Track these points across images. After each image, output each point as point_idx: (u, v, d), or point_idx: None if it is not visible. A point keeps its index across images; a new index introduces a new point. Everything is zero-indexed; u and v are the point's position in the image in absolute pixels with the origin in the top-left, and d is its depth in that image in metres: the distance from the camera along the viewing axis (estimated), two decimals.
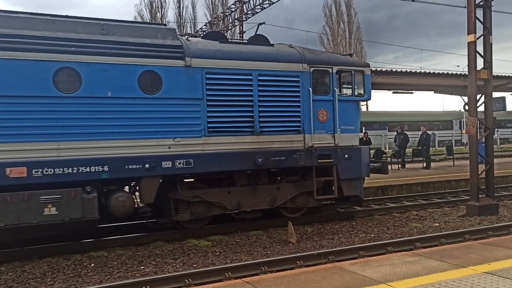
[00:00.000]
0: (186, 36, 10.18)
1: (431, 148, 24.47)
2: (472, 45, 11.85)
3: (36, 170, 8.00)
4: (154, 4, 43.61)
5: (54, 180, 8.14)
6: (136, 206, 9.39)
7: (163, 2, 43.95)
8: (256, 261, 7.72)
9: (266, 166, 10.13)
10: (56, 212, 8.06)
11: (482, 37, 12.13)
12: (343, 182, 10.92)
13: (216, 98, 9.63)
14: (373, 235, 10.05)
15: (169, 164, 9.08)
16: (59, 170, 8.16)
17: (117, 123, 8.71)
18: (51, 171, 8.10)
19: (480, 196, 11.91)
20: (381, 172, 12.68)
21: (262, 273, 7.08)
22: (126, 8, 66.59)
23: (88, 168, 8.41)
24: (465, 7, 12.28)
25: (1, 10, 8.43)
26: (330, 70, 10.86)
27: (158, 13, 44.08)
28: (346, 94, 11.36)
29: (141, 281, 6.75)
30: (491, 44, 12.22)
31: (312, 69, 10.64)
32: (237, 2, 28.47)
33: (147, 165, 8.90)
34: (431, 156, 23.41)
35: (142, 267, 7.95)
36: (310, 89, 10.52)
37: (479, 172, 11.88)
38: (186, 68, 9.32)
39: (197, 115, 9.45)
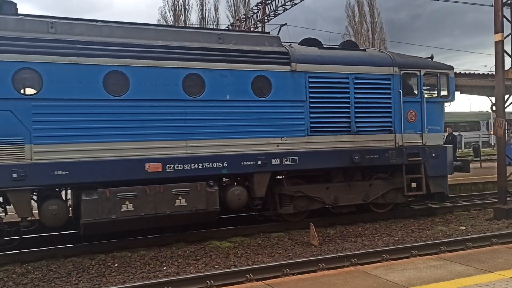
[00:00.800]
0: (289, 43, 10.96)
1: (457, 150, 23.95)
2: (499, 44, 11.58)
3: (169, 165, 9.07)
4: (177, 7, 44.02)
5: (183, 175, 9.19)
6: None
7: (186, 4, 44.33)
8: (278, 263, 7.68)
9: (362, 163, 10.88)
10: (186, 204, 9.14)
11: (510, 36, 11.85)
12: (430, 179, 11.58)
13: (317, 100, 10.48)
14: (397, 238, 9.89)
15: (277, 161, 10.03)
16: (187, 166, 9.24)
17: (234, 123, 9.72)
18: (181, 166, 9.18)
19: (508, 199, 11.60)
20: (463, 171, 12.98)
21: (283, 275, 7.04)
22: (150, 11, 67.51)
23: (210, 164, 9.42)
24: (492, 5, 12.01)
25: (135, 23, 9.69)
26: (418, 73, 11.62)
27: (181, 15, 44.48)
28: (432, 95, 11.93)
29: (164, 281, 6.80)
30: None
31: (402, 72, 11.41)
32: (259, 4, 28.49)
33: (259, 162, 9.87)
34: (457, 158, 22.91)
35: (164, 268, 8.02)
36: (400, 91, 11.29)
37: (507, 175, 11.58)
38: (292, 73, 10.24)
39: (301, 116, 10.33)
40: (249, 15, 30.65)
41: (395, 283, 5.23)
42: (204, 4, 44.63)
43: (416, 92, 11.60)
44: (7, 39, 8.06)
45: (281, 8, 26.40)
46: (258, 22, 29.54)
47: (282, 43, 10.67)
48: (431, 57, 12.59)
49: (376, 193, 11.32)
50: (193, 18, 45.13)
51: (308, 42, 11.42)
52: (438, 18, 61.36)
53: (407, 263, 5.94)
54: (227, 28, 8.75)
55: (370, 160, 10.91)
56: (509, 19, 11.83)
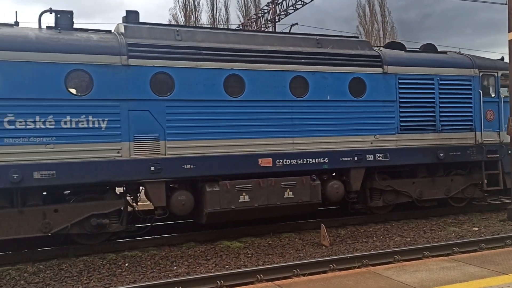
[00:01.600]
0: (378, 47, 11.99)
1: None
2: None
3: (278, 160, 9.95)
4: (188, 7, 44.11)
5: (290, 169, 10.05)
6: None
7: (197, 5, 44.40)
8: (288, 263, 7.64)
9: (446, 160, 11.66)
10: (293, 196, 10.00)
11: None
12: (506, 175, 12.24)
13: (406, 100, 11.28)
14: (409, 239, 9.79)
15: (371, 157, 10.86)
16: (294, 161, 10.09)
17: (333, 122, 10.53)
18: (288, 161, 10.05)
19: None
20: None
21: (294, 276, 7.01)
22: (159, 11, 67.48)
23: (314, 159, 10.27)
24: (506, 4, 11.84)
25: (245, 30, 11.26)
26: (496, 74, 12.47)
27: (192, 16, 44.58)
28: (506, 95, 12.46)
29: (174, 281, 6.80)
30: None
31: (481, 73, 12.25)
32: (270, 4, 28.44)
33: (355, 158, 10.68)
34: None
35: (175, 268, 8.02)
36: (480, 91, 12.12)
37: None
38: (383, 75, 11.11)
39: (392, 115, 11.15)
40: (260, 15, 30.61)
41: (407, 284, 5.16)
42: (215, 4, 44.61)
43: (493, 92, 12.46)
44: (145, 46, 9.04)
45: (291, 7, 26.32)
46: (268, 22, 29.49)
47: (373, 47, 11.68)
48: (502, 59, 13.20)
49: (456, 188, 12.10)
50: (204, 18, 45.16)
51: (393, 45, 12.44)
52: (448, 17, 60.67)
53: (419, 264, 5.86)
54: (323, 34, 9.65)
55: (453, 157, 11.75)
56: None
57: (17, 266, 8.03)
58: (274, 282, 5.66)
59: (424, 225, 11.15)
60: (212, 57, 9.50)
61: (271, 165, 9.86)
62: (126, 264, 8.22)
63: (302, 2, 25.40)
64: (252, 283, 6.71)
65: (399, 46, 12.24)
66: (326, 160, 10.36)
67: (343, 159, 10.54)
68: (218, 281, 6.74)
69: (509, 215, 11.45)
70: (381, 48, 11.84)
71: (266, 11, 29.52)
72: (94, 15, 65.37)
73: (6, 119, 7.95)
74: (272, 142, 9.92)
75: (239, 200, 9.53)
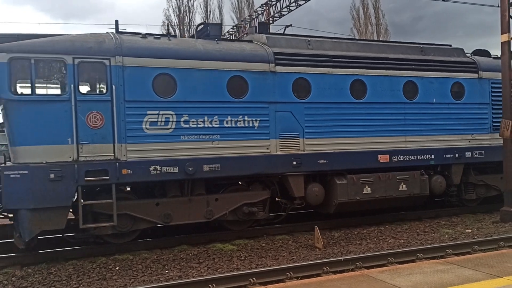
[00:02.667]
0: (470, 54, 13.25)
1: None
2: (505, 45, 11.45)
3: (394, 156, 11.22)
4: (182, 8, 43.96)
5: (403, 165, 11.33)
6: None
7: (191, 6, 44.27)
8: (281, 266, 7.56)
9: None
10: (406, 189, 11.26)
11: None
12: None
13: (496, 102, 12.44)
14: (402, 241, 9.74)
15: (469, 154, 12.17)
16: (406, 157, 11.37)
17: (438, 122, 11.80)
18: (402, 158, 11.32)
19: None
20: None
21: (287, 279, 6.94)
22: (152, 12, 67.13)
23: (423, 156, 11.57)
24: (498, 6, 11.88)
25: (361, 39, 12.32)
26: None
27: (186, 17, 44.43)
28: None
29: (165, 285, 6.71)
30: None
31: None
32: (264, 5, 28.40)
33: (456, 155, 11.98)
34: None
35: (166, 271, 7.91)
36: None
37: None
38: (479, 80, 12.40)
39: (486, 116, 12.48)
40: (254, 16, 30.56)
41: None
42: (208, 6, 44.55)
43: None
44: (286, 55, 10.30)
45: (285, 9, 26.30)
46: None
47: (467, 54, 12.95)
48: None
49: None
50: (198, 20, 45.06)
51: (479, 53, 13.56)
52: (440, 20, 61.14)
53: (413, 267, 5.80)
54: (427, 43, 11.38)
55: None
56: None
57: (5, 270, 7.90)
58: (267, 286, 5.58)
59: (417, 226, 11.12)
60: (340, 64, 10.77)
61: (388, 160, 11.19)
62: (117, 268, 8.11)
63: (296, 4, 25.39)
64: (245, 286, 6.64)
65: (486, 53, 13.55)
66: (432, 156, 11.70)
67: (446, 155, 11.89)
68: (210, 285, 6.64)
69: (502, 216, 11.45)
70: (473, 56, 13.16)
71: (260, 12, 29.47)
72: (86, 16, 65.06)
73: (182, 119, 9.22)
74: (389, 140, 11.26)
75: (363, 192, 10.81)
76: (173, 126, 9.13)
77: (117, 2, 69.30)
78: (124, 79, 8.74)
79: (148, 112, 8.92)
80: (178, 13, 43.85)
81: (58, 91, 8.53)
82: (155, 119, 8.98)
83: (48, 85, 8.65)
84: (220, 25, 11.11)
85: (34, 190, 8.04)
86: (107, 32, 9.29)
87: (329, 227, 10.89)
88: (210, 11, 44.60)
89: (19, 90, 8.32)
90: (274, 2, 27.14)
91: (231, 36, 33.16)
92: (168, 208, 9.25)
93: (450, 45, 13.49)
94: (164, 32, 43.10)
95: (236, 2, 45.16)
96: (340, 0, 57.24)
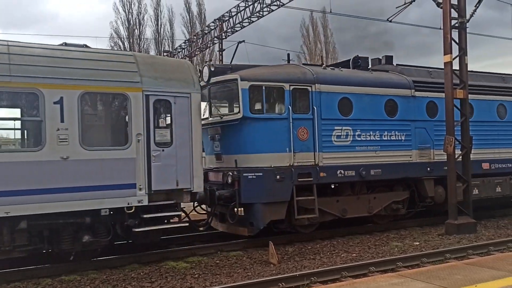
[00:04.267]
0: None
1: None
2: (448, 65, 12.02)
3: (492, 164, 14.10)
4: (131, 21, 43.30)
5: (497, 171, 14.20)
6: None
7: (141, 19, 43.73)
8: (236, 283, 7.48)
9: None
10: (500, 190, 14.17)
11: (457, 58, 12.36)
12: None
13: None
14: (354, 254, 9.91)
15: None
16: (500, 165, 14.30)
17: None
18: (497, 165, 14.25)
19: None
20: None
21: None
22: (98, 24, 65.16)
23: (510, 164, 14.52)
24: (440, 28, 12.52)
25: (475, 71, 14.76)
26: None
27: (136, 30, 43.79)
28: None
29: None
30: (466, 64, 12.45)
31: None
32: (217, 20, 28.52)
33: None
34: None
35: None
36: None
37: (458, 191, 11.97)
38: None
39: None
40: (206, 31, 30.60)
41: None
42: (159, 19, 44.23)
43: None
44: (420, 83, 13.08)
45: (238, 25, 26.52)
46: (215, 39, 29.52)
47: None
48: None
49: None
50: (148, 33, 44.53)
51: None
52: (382, 39, 64.12)
53: (369, 281, 5.89)
54: (504, 73, 16.05)
55: None
56: (457, 41, 12.35)
57: None
58: None
59: (368, 240, 11.36)
60: (429, 89, 13.29)
61: (488, 168, 13.99)
62: None
63: (249, 20, 25.67)
64: None
65: None
66: None
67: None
68: None
69: (446, 229, 11.93)
70: None
71: (212, 27, 29.55)
72: (27, 26, 62.27)
73: (357, 133, 11.82)
74: (489, 151, 14.10)
75: (473, 193, 12.93)
76: (351, 139, 11.77)
77: (60, 12, 66.96)
78: (320, 102, 11.33)
79: (335, 127, 11.57)
80: (127, 25, 43.20)
81: (280, 111, 10.99)
82: (340, 133, 11.62)
83: (273, 107, 11.12)
84: (367, 58, 13.76)
85: (266, 188, 10.45)
86: (300, 65, 12.56)
87: (283, 243, 10.92)
88: (160, 25, 44.30)
89: (255, 110, 10.73)
90: (227, 18, 27.31)
91: (183, 51, 33.01)
92: (345, 204, 11.80)
93: None
94: (112, 44, 42.48)
95: (188, 17, 45.18)
96: (288, 17, 58.55)
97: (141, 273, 8.60)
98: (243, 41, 21.88)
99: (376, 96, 12.14)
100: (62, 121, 8.19)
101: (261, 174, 10.41)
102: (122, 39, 42.93)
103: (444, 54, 12.11)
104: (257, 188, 10.33)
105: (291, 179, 10.66)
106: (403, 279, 5.68)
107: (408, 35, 70.09)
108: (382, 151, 12.13)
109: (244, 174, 10.33)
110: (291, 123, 10.79)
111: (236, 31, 27.21)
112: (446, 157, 12.15)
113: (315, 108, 11.18)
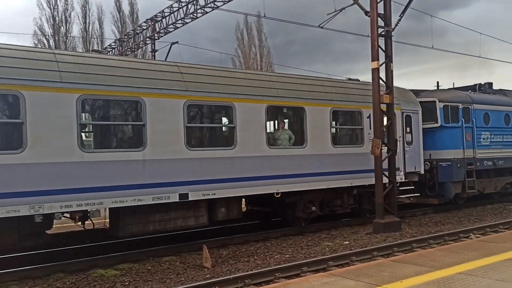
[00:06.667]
0: None
1: None
2: (375, 72, 12.55)
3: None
4: (57, 18, 41.15)
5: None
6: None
7: (67, 16, 41.67)
8: None
9: None
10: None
11: (384, 64, 12.95)
12: None
13: None
14: (288, 255, 10.05)
15: None
16: None
17: None
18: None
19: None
20: None
21: None
22: (19, 20, 60.91)
23: None
24: (368, 36, 13.07)
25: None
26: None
27: (62, 27, 41.64)
28: None
29: None
30: (392, 70, 13.08)
31: None
32: (149, 21, 27.85)
33: None
34: None
35: None
36: None
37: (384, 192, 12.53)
38: None
39: None
40: (138, 31, 29.79)
41: None
42: (88, 17, 42.43)
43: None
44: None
45: (171, 26, 26.08)
46: (148, 39, 28.83)
47: None
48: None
49: None
50: (75, 31, 42.59)
51: None
52: (310, 45, 66.11)
53: (301, 282, 5.98)
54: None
55: None
56: (383, 49, 12.96)
57: None
58: None
59: (301, 241, 11.57)
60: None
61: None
62: None
63: (183, 22, 25.32)
64: None
65: None
66: None
67: None
68: None
69: (374, 228, 12.44)
70: None
71: (145, 27, 28.83)
72: None
73: (492, 136, 17.26)
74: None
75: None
76: (489, 140, 17.40)
77: None
78: (475, 116, 16.90)
79: (482, 133, 17.16)
80: (52, 22, 41.03)
81: (457, 124, 16.34)
82: (484, 137, 17.24)
83: (453, 119, 16.38)
84: (490, 84, 19.46)
85: (453, 172, 15.81)
86: (466, 93, 17.64)
87: (217, 246, 10.84)
88: (89, 23, 42.52)
89: (447, 120, 16.23)
90: (160, 18, 26.77)
91: (113, 50, 31.92)
92: (484, 183, 17.04)
93: None
94: (36, 42, 40.14)
95: (118, 15, 43.75)
96: (220, 20, 58.55)
97: (67, 283, 8.16)
98: (177, 42, 21.58)
99: (500, 111, 17.91)
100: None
101: (450, 163, 15.87)
102: (47, 36, 40.72)
103: (372, 61, 12.64)
104: (448, 172, 15.85)
105: (465, 166, 16.15)
106: (334, 278, 5.83)
107: (334, 41, 72.72)
108: (502, 148, 17.70)
109: (440, 163, 15.87)
110: (463, 130, 16.41)
111: (169, 32, 26.75)
112: None
113: (474, 119, 16.81)
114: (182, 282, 8.14)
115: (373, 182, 12.62)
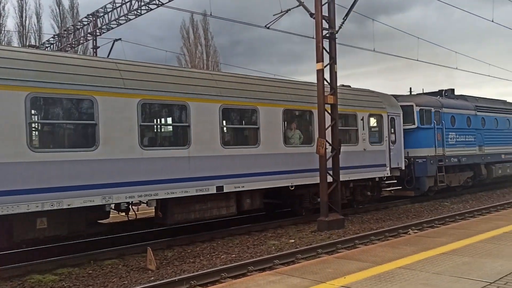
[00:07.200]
0: None
1: None
2: (320, 73, 12.80)
3: (503, 155, 22.95)
4: None
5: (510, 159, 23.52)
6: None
7: (1, 9, 39.37)
8: None
9: None
10: (510, 171, 23.21)
11: (328, 66, 13.23)
12: None
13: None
14: (234, 255, 10.03)
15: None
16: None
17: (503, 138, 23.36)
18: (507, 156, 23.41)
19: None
20: None
21: None
22: None
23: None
24: (313, 37, 13.31)
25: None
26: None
27: None
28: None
29: None
30: (336, 72, 13.39)
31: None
32: (90, 16, 26.87)
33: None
34: None
35: None
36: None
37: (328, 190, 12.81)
38: None
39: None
40: (79, 27, 28.67)
41: None
42: (24, 11, 40.31)
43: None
44: (479, 106, 21.72)
45: (114, 22, 25.30)
46: (89, 35, 27.81)
47: None
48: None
49: None
50: (10, 25, 40.36)
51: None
52: (255, 45, 66.62)
53: (248, 281, 5.97)
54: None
55: None
56: (328, 50, 13.24)
57: None
58: None
59: (247, 240, 11.59)
60: (483, 111, 21.97)
61: (503, 158, 22.59)
62: None
63: (126, 18, 24.64)
64: None
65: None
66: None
67: (509, 157, 23.21)
68: None
69: (318, 226, 12.69)
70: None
71: (86, 23, 27.79)
72: None
73: (457, 137, 19.90)
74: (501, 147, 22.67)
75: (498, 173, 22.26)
76: (455, 140, 19.80)
77: None
78: (444, 118, 19.22)
79: (449, 133, 19.49)
80: None
81: (430, 125, 18.68)
82: (451, 137, 19.69)
83: (426, 121, 18.73)
84: (453, 90, 22.08)
85: (428, 168, 18.07)
86: (436, 97, 20.09)
87: (162, 247, 10.63)
88: (26, 17, 40.42)
89: (423, 122, 18.60)
90: (102, 14, 25.90)
91: (52, 46, 30.55)
92: (451, 178, 19.61)
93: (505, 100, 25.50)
94: None
95: (57, 10, 41.92)
96: (165, 18, 57.65)
97: None
98: (120, 39, 20.99)
99: (463, 114, 20.42)
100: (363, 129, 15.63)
101: (424, 160, 18.13)
102: None
103: (317, 62, 12.87)
104: (423, 168, 18.16)
105: (437, 163, 18.47)
106: (280, 276, 5.86)
107: (280, 42, 73.65)
108: (465, 147, 20.18)
109: (416, 160, 18.14)
110: (435, 131, 18.67)
111: (112, 28, 25.94)
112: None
113: (443, 122, 19.11)
114: (125, 285, 7.92)
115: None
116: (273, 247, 10.73)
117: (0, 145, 8.09)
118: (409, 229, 12.27)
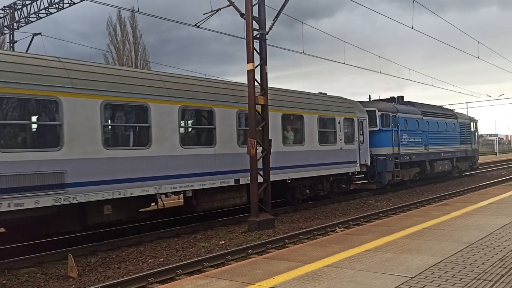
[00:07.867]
0: None
1: None
2: (251, 73, 12.81)
3: (443, 153, 26.80)
4: None
5: (447, 157, 27.63)
6: None
7: None
8: None
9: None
10: (447, 167, 27.57)
11: (259, 67, 13.28)
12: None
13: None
14: (162, 259, 9.73)
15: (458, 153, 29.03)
16: (448, 155, 27.80)
17: (446, 139, 27.78)
18: (447, 155, 27.59)
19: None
20: None
21: None
22: None
23: (449, 154, 27.63)
24: (244, 38, 13.30)
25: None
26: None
27: None
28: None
29: None
30: (266, 73, 13.48)
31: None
32: (7, 8, 25.07)
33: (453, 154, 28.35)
34: None
35: None
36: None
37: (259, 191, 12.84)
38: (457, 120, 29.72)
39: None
40: None
41: None
42: None
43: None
44: (424, 111, 25.86)
45: (34, 15, 23.78)
46: (5, 28, 25.93)
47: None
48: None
49: None
50: None
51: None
52: (186, 45, 65.95)
53: (175, 286, 5.75)
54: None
55: None
56: (258, 51, 13.29)
57: None
58: None
59: (176, 243, 11.31)
60: (427, 116, 25.55)
61: (442, 156, 26.36)
62: None
63: (47, 12, 23.25)
64: None
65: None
66: (450, 154, 27.44)
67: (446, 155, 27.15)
68: None
69: (249, 226, 12.69)
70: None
71: (1, 15, 25.89)
72: None
73: (409, 138, 23.31)
74: (447, 147, 27.03)
75: (439, 168, 26.59)
76: (407, 141, 22.91)
77: None
78: (399, 122, 22.31)
79: (403, 135, 22.61)
80: None
81: (389, 128, 21.84)
82: (404, 138, 22.77)
83: (386, 124, 21.85)
84: (402, 97, 24.78)
85: (387, 164, 21.19)
86: (389, 103, 23.62)
87: (85, 253, 10.09)
88: None
89: (383, 125, 21.74)
90: (20, 7, 24.25)
91: None
92: (404, 173, 22.60)
93: (441, 106, 29.17)
94: None
95: None
96: (89, 13, 55.39)
97: None
98: (40, 33, 19.76)
99: (412, 118, 23.68)
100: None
101: (385, 157, 21.07)
102: None
103: (247, 62, 12.88)
104: (384, 164, 21.11)
105: (394, 160, 21.42)
106: (208, 280, 5.72)
107: (211, 42, 73.53)
108: (415, 146, 23.35)
109: (378, 158, 20.97)
110: (392, 133, 21.67)
111: (31, 22, 24.37)
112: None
113: (398, 125, 22.22)
114: None
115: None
116: (202, 249, 10.55)
117: (83, 144, 9.78)
118: (336, 227, 12.61)
